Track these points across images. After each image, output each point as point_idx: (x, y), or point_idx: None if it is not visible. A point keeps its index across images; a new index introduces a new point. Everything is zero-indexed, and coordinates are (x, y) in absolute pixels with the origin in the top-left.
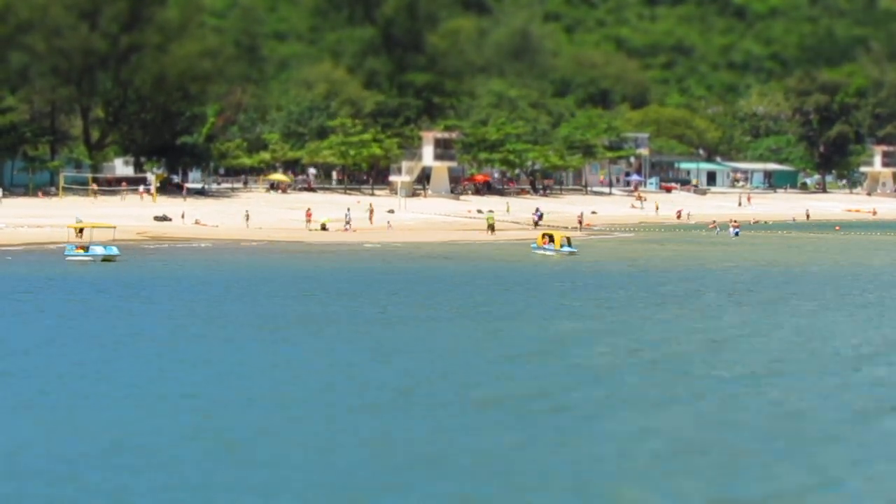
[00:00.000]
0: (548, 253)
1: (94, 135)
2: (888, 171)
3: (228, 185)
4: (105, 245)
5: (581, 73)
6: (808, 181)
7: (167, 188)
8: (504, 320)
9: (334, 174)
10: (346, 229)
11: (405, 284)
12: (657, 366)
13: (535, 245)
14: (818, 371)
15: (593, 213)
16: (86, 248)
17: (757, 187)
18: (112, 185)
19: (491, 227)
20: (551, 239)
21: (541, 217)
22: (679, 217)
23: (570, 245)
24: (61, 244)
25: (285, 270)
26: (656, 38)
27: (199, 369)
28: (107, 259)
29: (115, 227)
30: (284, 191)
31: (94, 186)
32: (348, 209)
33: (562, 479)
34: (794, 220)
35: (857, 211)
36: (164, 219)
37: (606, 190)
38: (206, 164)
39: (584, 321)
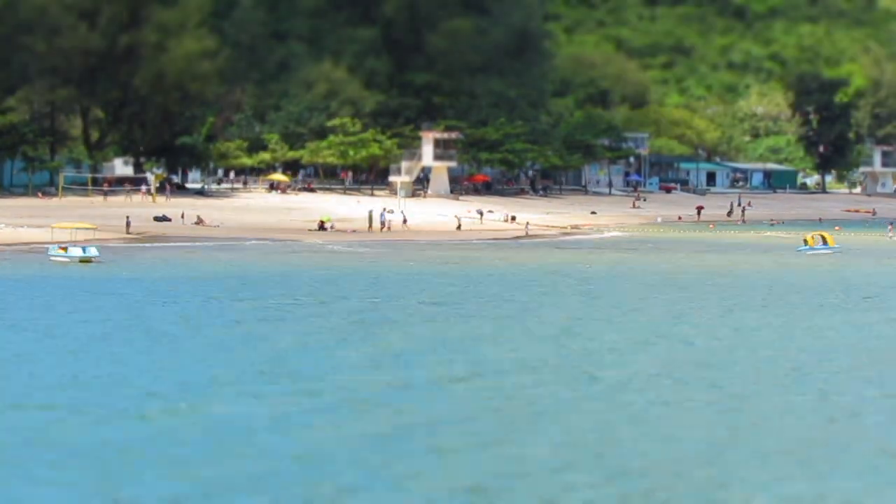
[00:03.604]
0: (820, 252)
1: (94, 135)
2: (888, 170)
3: (228, 186)
4: (84, 246)
5: (581, 73)
6: (808, 181)
7: (167, 188)
8: None
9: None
10: (357, 230)
11: None
12: None
13: (802, 246)
14: None
15: (592, 213)
16: (66, 249)
17: (756, 187)
18: (113, 186)
19: (321, 226)
20: (823, 240)
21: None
22: (699, 216)
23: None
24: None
25: None
26: (656, 38)
27: None
28: (84, 260)
29: (96, 228)
30: (284, 191)
31: (106, 186)
32: (384, 209)
33: None
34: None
35: (857, 211)
36: (164, 219)
37: (606, 190)
38: (205, 164)
39: None
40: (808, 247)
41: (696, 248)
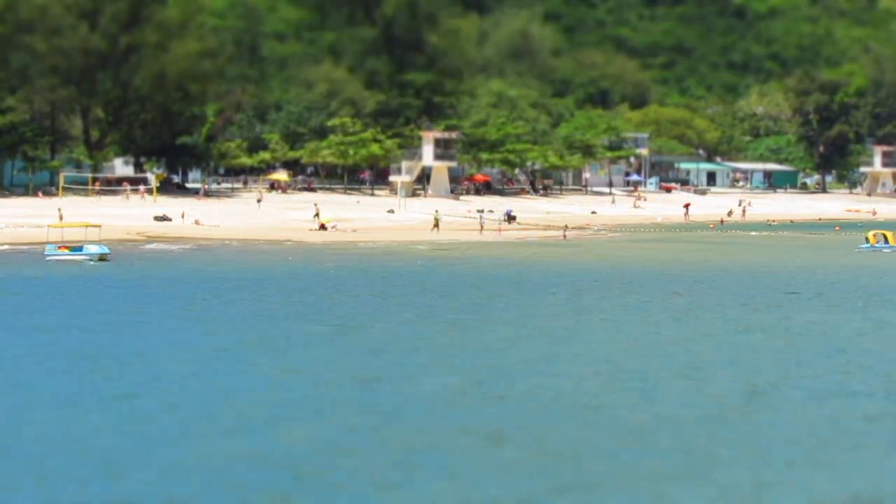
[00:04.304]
0: (885, 250)
1: (94, 135)
2: (888, 171)
3: (228, 185)
4: (99, 244)
5: (581, 73)
6: (808, 181)
7: (167, 188)
8: None
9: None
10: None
11: None
12: None
13: (864, 245)
14: None
15: (593, 212)
16: (70, 248)
17: (757, 187)
18: (112, 185)
19: (436, 224)
20: (886, 238)
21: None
22: (686, 216)
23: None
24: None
25: None
26: (656, 38)
27: None
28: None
29: (100, 227)
30: (284, 190)
31: (98, 185)
32: (480, 210)
33: None
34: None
35: (857, 211)
36: (164, 219)
37: (606, 190)
38: (206, 164)
39: None
40: (869, 245)
41: (770, 246)
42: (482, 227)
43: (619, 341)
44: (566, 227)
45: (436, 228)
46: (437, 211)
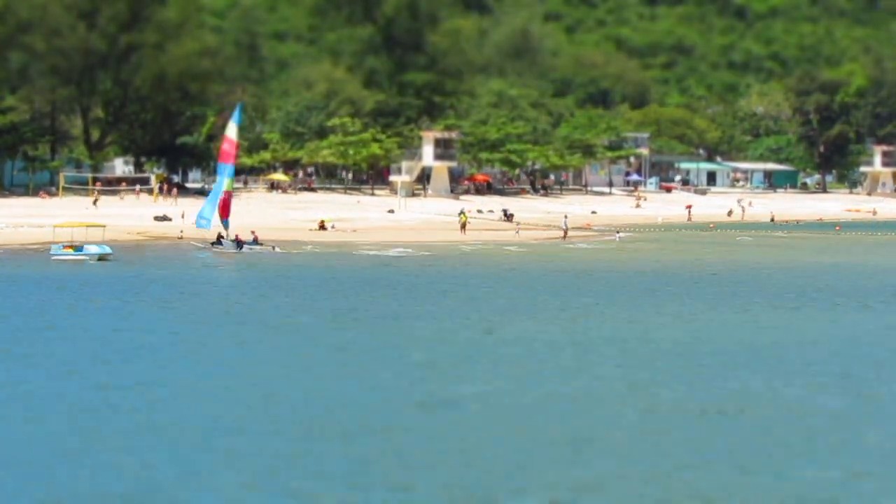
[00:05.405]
0: None
1: (94, 135)
2: (888, 170)
3: None
4: (99, 244)
5: (581, 72)
6: (809, 181)
7: (180, 189)
8: None
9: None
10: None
11: None
12: None
13: None
14: None
15: (593, 212)
16: (75, 248)
17: (757, 187)
18: (112, 185)
19: (463, 227)
20: None
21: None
22: (689, 217)
23: None
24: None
25: None
26: (656, 38)
27: None
28: (101, 258)
29: (104, 227)
30: (284, 191)
31: (98, 186)
32: (566, 215)
33: None
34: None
35: (857, 211)
36: (165, 219)
37: (607, 190)
38: (206, 164)
39: None
40: None
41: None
42: (318, 226)
43: None
44: (618, 230)
45: (463, 230)
46: (462, 212)
